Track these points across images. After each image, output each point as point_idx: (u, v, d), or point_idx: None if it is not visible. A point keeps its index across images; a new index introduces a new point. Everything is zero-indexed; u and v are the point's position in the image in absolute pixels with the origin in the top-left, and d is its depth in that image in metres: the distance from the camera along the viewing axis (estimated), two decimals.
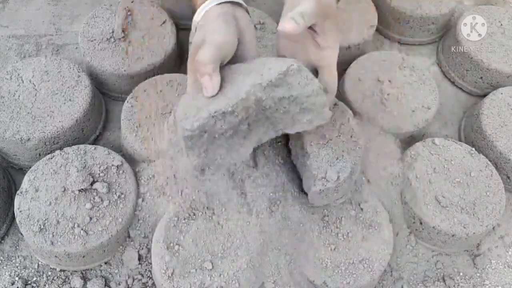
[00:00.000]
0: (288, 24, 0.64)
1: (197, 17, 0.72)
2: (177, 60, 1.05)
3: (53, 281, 0.80)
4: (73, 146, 0.84)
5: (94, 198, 0.79)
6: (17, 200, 0.79)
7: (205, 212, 0.78)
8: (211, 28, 0.68)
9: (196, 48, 0.67)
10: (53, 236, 0.76)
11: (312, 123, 0.69)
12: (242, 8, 0.73)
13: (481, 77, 1.05)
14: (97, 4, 1.15)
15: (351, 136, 0.78)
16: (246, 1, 1.18)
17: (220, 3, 0.70)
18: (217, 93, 0.66)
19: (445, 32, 1.16)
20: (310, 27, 0.68)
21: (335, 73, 0.73)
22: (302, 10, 0.65)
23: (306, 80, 0.66)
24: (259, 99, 0.65)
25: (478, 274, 0.86)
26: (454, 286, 0.84)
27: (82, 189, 0.78)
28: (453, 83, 1.11)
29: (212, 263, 0.74)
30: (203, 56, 0.65)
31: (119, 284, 0.79)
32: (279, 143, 0.82)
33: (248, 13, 0.74)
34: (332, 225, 0.80)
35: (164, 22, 1.01)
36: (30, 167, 0.83)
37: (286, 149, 0.82)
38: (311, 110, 0.68)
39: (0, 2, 1.17)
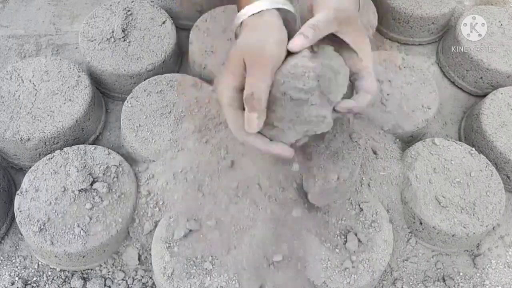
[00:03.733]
0: (296, 41, 0.60)
1: (242, 16, 0.66)
2: (177, 60, 1.05)
3: (53, 281, 0.80)
4: (73, 146, 0.84)
5: (94, 198, 0.79)
6: (17, 200, 0.79)
7: (206, 213, 0.78)
8: (262, 38, 0.61)
9: (240, 53, 0.61)
10: (53, 236, 0.76)
11: (308, 133, 0.65)
12: (291, 13, 0.69)
13: (481, 77, 1.05)
14: (97, 4, 1.15)
15: (351, 136, 0.78)
16: None
17: (271, 9, 0.65)
18: None
19: (445, 32, 1.16)
20: (335, 36, 0.64)
21: (373, 76, 0.66)
22: (313, 22, 0.62)
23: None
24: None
25: (478, 274, 0.86)
26: (454, 286, 0.84)
27: (82, 189, 0.78)
28: (453, 83, 1.11)
29: (212, 263, 0.74)
30: (259, 92, 0.59)
31: (119, 284, 0.79)
32: None
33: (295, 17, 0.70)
34: (332, 225, 0.80)
35: (164, 22, 1.01)
36: (30, 167, 0.83)
37: None
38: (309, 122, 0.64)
39: (0, 2, 1.17)
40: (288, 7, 0.67)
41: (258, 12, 0.65)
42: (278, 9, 0.66)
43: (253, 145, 0.63)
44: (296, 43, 0.61)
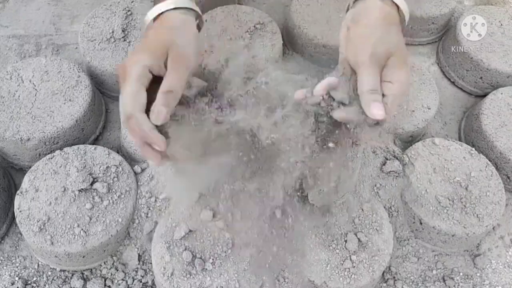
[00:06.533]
0: (375, 110, 0.62)
1: (150, 15, 0.67)
2: None
3: (53, 281, 0.80)
4: (73, 146, 0.84)
5: (94, 198, 0.79)
6: (17, 200, 0.79)
7: (206, 213, 0.78)
8: (187, 42, 0.64)
9: (168, 44, 0.63)
10: (53, 236, 0.76)
11: None
12: (195, 13, 0.69)
13: (481, 77, 1.05)
14: (97, 4, 1.15)
15: (351, 136, 0.78)
16: (246, 1, 1.18)
17: (176, 8, 0.66)
18: None
19: (445, 32, 1.16)
20: None
21: (394, 107, 0.66)
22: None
23: None
24: None
25: (478, 274, 0.86)
26: (454, 286, 0.84)
27: (82, 189, 0.78)
28: (453, 83, 1.11)
29: (212, 264, 0.74)
30: (179, 91, 0.61)
31: (119, 284, 0.79)
32: None
33: (202, 20, 0.71)
34: (332, 225, 0.80)
35: None
36: (30, 167, 0.83)
37: None
38: None
39: (0, 2, 1.17)
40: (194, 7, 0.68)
41: (173, 9, 0.66)
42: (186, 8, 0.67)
43: (140, 123, 0.60)
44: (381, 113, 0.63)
